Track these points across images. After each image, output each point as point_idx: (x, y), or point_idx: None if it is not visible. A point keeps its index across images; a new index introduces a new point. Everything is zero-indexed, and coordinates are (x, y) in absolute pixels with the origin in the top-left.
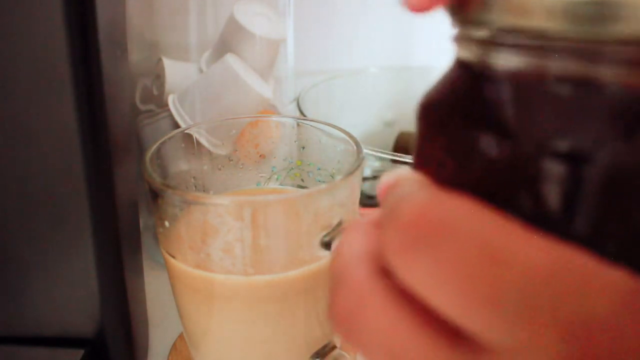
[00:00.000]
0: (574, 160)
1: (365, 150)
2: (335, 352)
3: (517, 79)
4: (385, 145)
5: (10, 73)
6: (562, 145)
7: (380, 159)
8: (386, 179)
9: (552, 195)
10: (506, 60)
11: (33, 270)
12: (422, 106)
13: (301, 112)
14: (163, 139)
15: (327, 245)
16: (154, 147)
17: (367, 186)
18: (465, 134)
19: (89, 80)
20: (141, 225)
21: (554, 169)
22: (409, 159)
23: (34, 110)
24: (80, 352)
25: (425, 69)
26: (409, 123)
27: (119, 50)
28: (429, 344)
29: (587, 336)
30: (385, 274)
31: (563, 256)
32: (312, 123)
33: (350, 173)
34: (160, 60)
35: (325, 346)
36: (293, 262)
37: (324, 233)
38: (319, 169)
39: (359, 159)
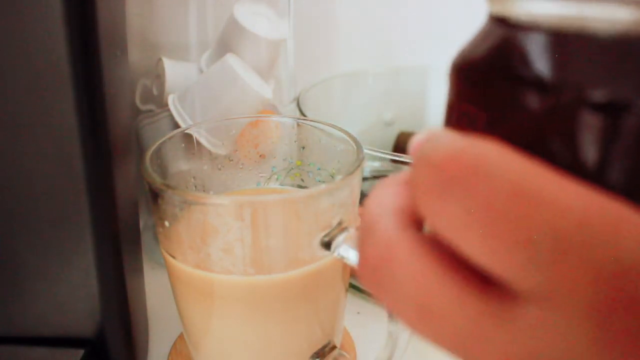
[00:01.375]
0: (613, 109)
1: (365, 150)
2: (335, 352)
3: (554, 29)
4: (385, 145)
5: (10, 73)
6: (601, 94)
7: (380, 159)
8: (418, 136)
9: (589, 145)
10: (543, 11)
11: (33, 270)
12: (456, 64)
13: (301, 112)
14: (163, 139)
15: (327, 245)
16: (154, 147)
17: (367, 186)
18: (502, 88)
19: (89, 80)
20: (141, 225)
21: (592, 119)
22: (409, 159)
23: (34, 110)
24: (80, 352)
25: (424, 69)
26: (409, 123)
27: (119, 50)
28: (459, 293)
29: (618, 281)
30: (414, 226)
31: (597, 201)
32: (312, 123)
33: (350, 173)
34: (160, 60)
35: (325, 346)
36: (293, 262)
37: (324, 233)
38: (319, 169)
39: (359, 159)
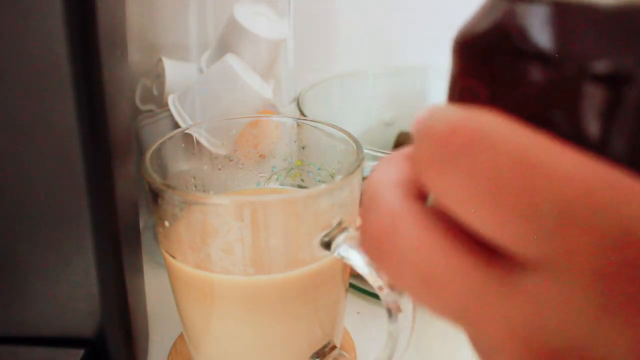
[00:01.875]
0: (615, 81)
1: (365, 150)
2: (335, 352)
3: (556, 1)
4: (385, 145)
5: (11, 73)
6: (604, 66)
7: (380, 159)
8: (421, 112)
9: (592, 116)
10: None
11: (33, 270)
12: (459, 39)
13: (301, 112)
14: (163, 139)
15: (327, 245)
16: (154, 147)
17: None
18: (504, 61)
19: (89, 80)
20: (141, 225)
21: (595, 91)
22: None
23: (34, 110)
24: (80, 352)
25: (424, 69)
26: (409, 123)
27: (119, 50)
28: (462, 263)
29: (622, 248)
30: (417, 198)
31: (600, 171)
32: (312, 123)
33: (350, 173)
34: (160, 60)
35: (325, 346)
36: (293, 262)
37: (324, 233)
38: (319, 169)
39: (359, 159)
